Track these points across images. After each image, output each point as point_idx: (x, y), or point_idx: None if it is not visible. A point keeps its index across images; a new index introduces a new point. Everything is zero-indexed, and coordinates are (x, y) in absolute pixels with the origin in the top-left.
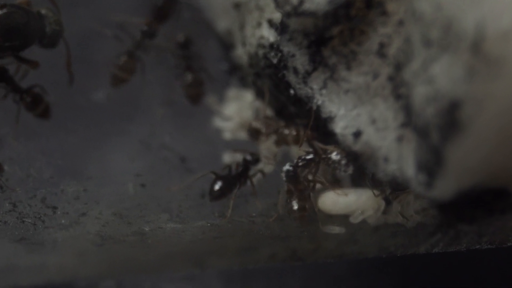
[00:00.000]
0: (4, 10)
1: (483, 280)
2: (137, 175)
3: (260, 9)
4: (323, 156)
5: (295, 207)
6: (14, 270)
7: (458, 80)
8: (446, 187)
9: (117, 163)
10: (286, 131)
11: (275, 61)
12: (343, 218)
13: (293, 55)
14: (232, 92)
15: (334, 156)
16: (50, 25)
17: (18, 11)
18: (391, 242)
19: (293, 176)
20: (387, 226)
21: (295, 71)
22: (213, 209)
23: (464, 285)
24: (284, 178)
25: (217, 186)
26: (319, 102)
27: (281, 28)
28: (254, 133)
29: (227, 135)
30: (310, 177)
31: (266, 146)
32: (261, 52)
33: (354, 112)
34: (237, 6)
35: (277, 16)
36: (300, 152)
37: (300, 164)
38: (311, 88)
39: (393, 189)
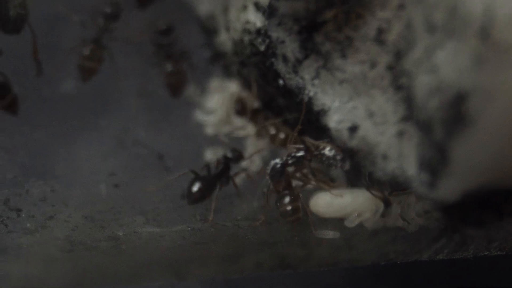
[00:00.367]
0: None
1: None
2: (110, 175)
3: None
4: (315, 152)
5: (289, 208)
6: None
7: (465, 69)
8: (451, 187)
9: (88, 161)
10: (273, 131)
11: (262, 48)
12: (337, 222)
13: (282, 42)
14: (214, 83)
15: (328, 152)
16: (14, 9)
17: None
18: (391, 248)
19: (281, 175)
20: (386, 230)
21: (285, 59)
22: (194, 211)
23: None
24: (269, 177)
25: (195, 188)
26: (311, 94)
27: (269, 12)
28: (241, 108)
29: (210, 130)
30: (300, 176)
31: (253, 142)
32: (246, 38)
33: (350, 104)
34: None
35: None
36: (290, 148)
37: (289, 161)
38: (302, 78)
39: (392, 190)
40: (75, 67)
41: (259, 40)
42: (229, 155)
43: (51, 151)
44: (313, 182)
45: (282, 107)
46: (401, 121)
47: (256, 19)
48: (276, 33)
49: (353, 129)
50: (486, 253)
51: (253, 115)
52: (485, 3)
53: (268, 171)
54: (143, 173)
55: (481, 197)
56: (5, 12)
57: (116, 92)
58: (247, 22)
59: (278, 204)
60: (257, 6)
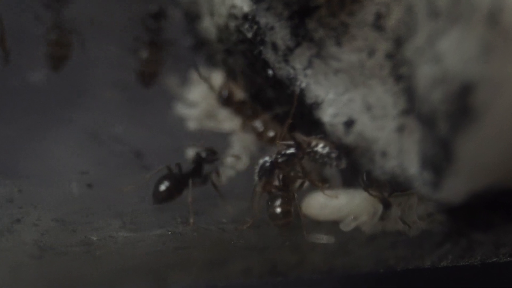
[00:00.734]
0: None
1: None
2: (82, 173)
3: None
4: (308, 150)
5: (279, 211)
6: None
7: (471, 59)
8: (456, 187)
9: (58, 158)
10: (260, 127)
11: (250, 35)
12: (332, 225)
13: (272, 28)
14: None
15: (321, 149)
16: None
17: None
18: (390, 254)
19: (270, 175)
20: (385, 234)
21: (274, 47)
22: (175, 214)
23: None
24: (257, 176)
25: (163, 186)
26: (303, 85)
27: None
28: (227, 98)
29: (192, 125)
30: (292, 175)
31: (239, 138)
32: (232, 24)
33: (346, 96)
34: None
35: None
36: (280, 145)
37: (279, 160)
38: (294, 68)
39: (392, 190)
40: (44, 55)
41: (246, 26)
42: (203, 154)
43: (18, 147)
44: (310, 181)
45: (271, 99)
46: (402, 115)
47: (243, 3)
48: (264, 19)
49: (349, 123)
50: (494, 259)
51: (239, 108)
52: None
53: (257, 170)
54: (119, 171)
55: (489, 198)
56: None
57: (89, 83)
58: (233, 6)
59: (268, 205)
60: None
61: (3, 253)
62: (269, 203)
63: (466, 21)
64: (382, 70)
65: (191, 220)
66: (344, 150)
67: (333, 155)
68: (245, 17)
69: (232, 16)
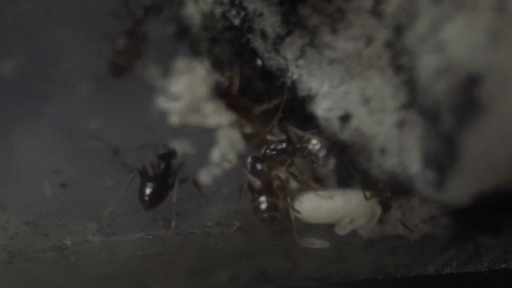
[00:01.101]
0: None
1: None
2: (55, 172)
3: None
4: (298, 145)
5: (263, 206)
6: None
7: (478, 47)
8: (461, 187)
9: (29, 156)
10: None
11: (237, 22)
12: (327, 229)
13: (261, 14)
14: (180, 63)
15: (311, 145)
16: None
17: None
18: (390, 260)
19: (259, 171)
20: (384, 239)
21: (264, 35)
22: (156, 216)
23: None
24: (249, 174)
25: (148, 190)
26: (295, 76)
27: None
28: (223, 89)
29: (174, 119)
30: (282, 172)
31: (226, 134)
32: (218, 10)
33: (341, 89)
34: None
35: None
36: (270, 140)
37: (269, 154)
38: (284, 58)
39: (392, 191)
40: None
41: (233, 12)
42: (160, 151)
43: None
44: (298, 181)
45: (260, 92)
46: (402, 109)
47: None
48: (253, 4)
49: (345, 118)
50: (503, 265)
51: (234, 102)
52: None
53: (248, 168)
54: (95, 170)
55: (497, 199)
56: None
57: (62, 73)
58: None
59: (254, 197)
60: None
61: None
62: (255, 195)
63: (472, 6)
64: (381, 60)
65: (173, 223)
66: (339, 147)
67: (321, 154)
68: (232, 2)
69: (217, 1)
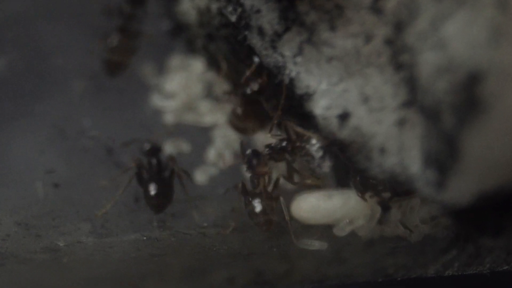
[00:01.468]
0: None
1: None
2: (48, 172)
3: None
4: (297, 144)
5: (258, 209)
6: None
7: (479, 45)
8: (462, 187)
9: (21, 155)
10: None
11: (233, 18)
12: (325, 229)
13: (258, 11)
14: (175, 60)
15: (309, 145)
16: None
17: None
18: (390, 261)
19: (255, 166)
20: (383, 240)
21: (261, 32)
22: (151, 217)
23: None
24: (246, 166)
25: (153, 191)
26: (293, 74)
27: None
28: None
29: (169, 118)
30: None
31: (222, 133)
32: (214, 6)
33: (340, 86)
34: None
35: None
36: (268, 137)
37: (268, 153)
38: (282, 55)
39: (392, 191)
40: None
41: (230, 8)
42: (147, 146)
43: None
44: (293, 182)
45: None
46: (402, 107)
47: None
48: (250, 1)
49: (343, 116)
50: (505, 267)
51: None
52: None
53: (246, 162)
54: (89, 170)
55: (499, 199)
56: None
57: (55, 71)
58: None
59: (248, 202)
60: None
61: None
62: (249, 198)
63: (474, 3)
64: (381, 57)
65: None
66: (338, 146)
67: (318, 154)
68: None
69: None
